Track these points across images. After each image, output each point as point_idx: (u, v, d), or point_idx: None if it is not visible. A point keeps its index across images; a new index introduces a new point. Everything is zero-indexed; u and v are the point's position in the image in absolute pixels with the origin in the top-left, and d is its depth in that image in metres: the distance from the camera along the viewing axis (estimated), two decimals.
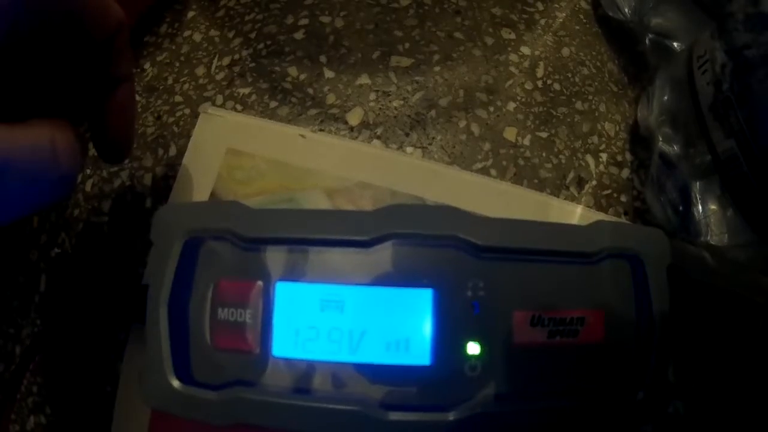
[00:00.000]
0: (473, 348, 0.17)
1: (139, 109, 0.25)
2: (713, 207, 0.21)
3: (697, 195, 0.21)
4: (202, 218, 0.18)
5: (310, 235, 0.17)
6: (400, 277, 0.17)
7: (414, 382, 0.17)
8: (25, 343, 0.23)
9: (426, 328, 0.17)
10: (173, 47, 0.26)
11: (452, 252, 0.17)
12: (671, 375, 0.20)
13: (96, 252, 0.23)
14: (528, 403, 0.17)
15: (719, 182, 0.21)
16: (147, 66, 0.26)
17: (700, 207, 0.21)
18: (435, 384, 0.17)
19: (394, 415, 0.16)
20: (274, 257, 0.17)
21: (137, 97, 0.25)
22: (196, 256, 0.18)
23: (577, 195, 0.23)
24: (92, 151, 0.25)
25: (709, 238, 0.21)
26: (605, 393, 0.17)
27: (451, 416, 0.16)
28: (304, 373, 0.17)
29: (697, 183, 0.21)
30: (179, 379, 0.17)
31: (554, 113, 0.24)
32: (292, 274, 0.17)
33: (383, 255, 0.17)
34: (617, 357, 0.18)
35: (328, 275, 0.17)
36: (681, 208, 0.21)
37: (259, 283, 0.17)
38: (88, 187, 0.24)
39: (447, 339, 0.17)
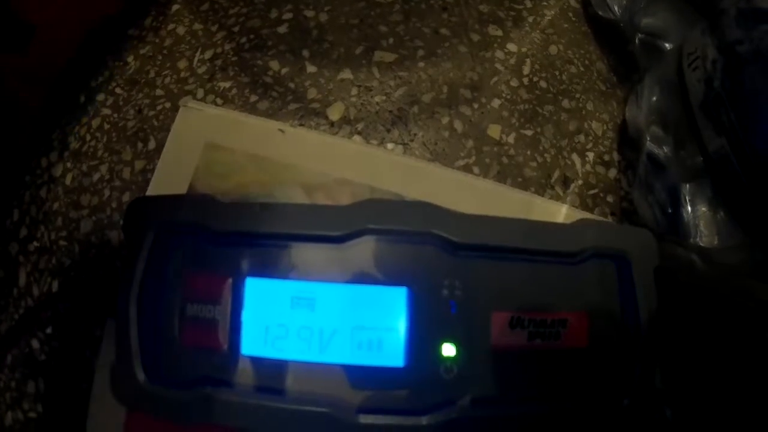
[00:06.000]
0: (449, 349, 0.16)
1: (120, 103, 0.25)
2: (703, 209, 0.21)
3: (687, 197, 0.21)
4: (173, 212, 0.17)
5: (282, 230, 0.16)
6: (373, 275, 0.16)
7: (387, 385, 0.16)
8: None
9: (400, 327, 0.16)
10: (156, 40, 0.25)
11: (428, 249, 0.16)
12: (658, 381, 0.19)
13: (74, 246, 0.23)
14: (506, 408, 0.16)
15: (710, 184, 0.20)
16: (130, 59, 0.25)
17: (689, 208, 0.21)
18: (409, 386, 0.16)
19: (366, 419, 0.16)
20: (245, 252, 0.17)
21: (119, 90, 0.25)
22: (167, 250, 0.17)
23: (562, 194, 0.22)
24: (73, 145, 0.24)
25: (698, 240, 0.20)
26: (589, 399, 0.17)
27: (425, 421, 0.16)
28: (273, 372, 0.16)
29: (687, 185, 0.21)
30: (147, 376, 0.16)
31: (540, 111, 0.23)
32: (263, 270, 0.16)
33: (356, 251, 0.16)
34: (601, 362, 0.17)
35: (299, 272, 0.16)
36: (670, 209, 0.21)
37: (229, 279, 0.17)
38: (67, 181, 0.24)
39: (421, 340, 0.16)
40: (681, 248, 0.20)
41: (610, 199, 0.22)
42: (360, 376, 0.16)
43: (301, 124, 0.23)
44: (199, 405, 0.16)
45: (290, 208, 0.18)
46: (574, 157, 0.23)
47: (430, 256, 0.16)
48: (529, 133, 0.23)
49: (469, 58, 0.24)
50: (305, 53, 0.24)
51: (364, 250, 0.16)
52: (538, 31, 0.25)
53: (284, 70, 0.24)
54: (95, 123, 0.24)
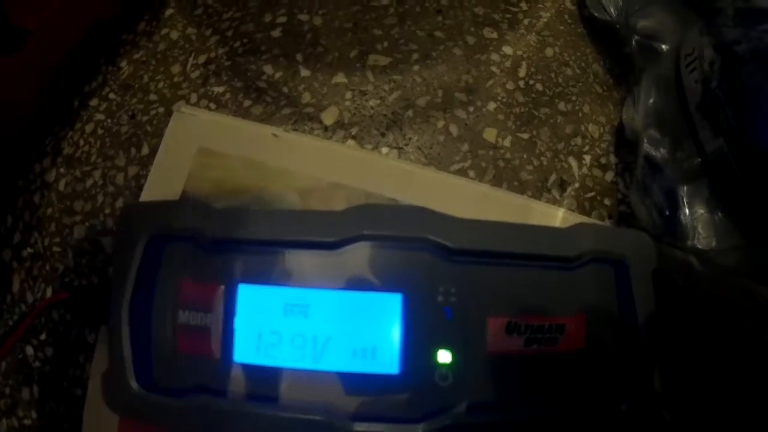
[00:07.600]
0: (444, 356, 0.16)
1: (114, 108, 0.24)
2: (701, 211, 0.20)
3: (684, 199, 0.21)
4: (165, 218, 0.17)
5: (275, 236, 0.16)
6: (368, 281, 0.16)
7: (381, 392, 0.16)
8: None
9: (394, 334, 0.16)
10: (150, 45, 0.25)
11: (423, 255, 0.16)
12: (657, 384, 0.19)
13: (68, 252, 0.22)
14: (503, 414, 0.16)
15: (707, 185, 0.20)
16: (123, 64, 0.25)
17: (687, 210, 0.21)
18: (404, 394, 0.16)
19: (361, 426, 0.15)
20: (238, 259, 0.16)
21: (113, 96, 0.25)
22: (159, 257, 0.17)
23: (559, 198, 0.22)
24: (66, 150, 0.24)
25: (696, 242, 0.20)
26: (587, 404, 0.17)
27: (420, 428, 0.15)
28: (266, 380, 0.16)
29: (685, 187, 0.21)
30: (141, 384, 0.16)
31: (536, 114, 0.23)
32: (256, 277, 0.16)
33: (351, 257, 0.16)
34: (599, 366, 0.17)
35: (292, 278, 0.16)
36: (667, 212, 0.21)
37: (222, 285, 0.16)
38: (60, 186, 0.24)
39: (416, 346, 0.16)
40: (679, 250, 0.20)
41: (607, 202, 0.22)
42: (355, 383, 0.16)
43: (294, 129, 0.23)
44: (192, 413, 0.16)
45: (284, 213, 0.17)
46: (571, 160, 0.23)
47: (426, 262, 0.16)
48: (525, 136, 0.23)
49: (464, 61, 0.24)
50: (299, 57, 0.24)
51: (358, 255, 0.16)
52: (533, 34, 0.25)
53: (278, 75, 0.24)
54: (88, 128, 0.24)
